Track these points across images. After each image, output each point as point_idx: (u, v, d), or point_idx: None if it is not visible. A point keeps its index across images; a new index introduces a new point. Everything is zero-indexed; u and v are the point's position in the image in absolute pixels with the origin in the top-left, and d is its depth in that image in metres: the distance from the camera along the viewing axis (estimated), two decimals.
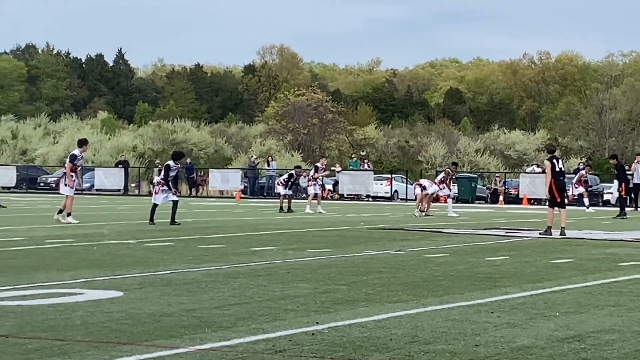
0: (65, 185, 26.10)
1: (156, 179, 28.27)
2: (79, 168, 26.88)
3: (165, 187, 25.49)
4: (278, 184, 38.08)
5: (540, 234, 23.27)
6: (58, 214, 25.92)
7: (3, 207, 34.83)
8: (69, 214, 25.64)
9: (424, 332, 9.01)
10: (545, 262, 16.62)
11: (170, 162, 25.89)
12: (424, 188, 34.41)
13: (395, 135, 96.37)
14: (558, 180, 23.46)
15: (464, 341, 8.62)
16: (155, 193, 25.88)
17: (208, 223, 27.53)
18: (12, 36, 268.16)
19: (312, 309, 10.43)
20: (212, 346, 8.21)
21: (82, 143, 27.04)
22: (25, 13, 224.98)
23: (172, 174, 25.69)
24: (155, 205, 25.66)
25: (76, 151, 26.60)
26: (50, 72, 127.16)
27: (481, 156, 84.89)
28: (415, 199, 35.82)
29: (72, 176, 26.13)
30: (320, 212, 35.18)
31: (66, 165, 26.75)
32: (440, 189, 35.63)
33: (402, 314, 10.14)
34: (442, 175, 36.74)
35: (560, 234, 22.96)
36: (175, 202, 25.61)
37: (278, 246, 18.95)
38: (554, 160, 23.61)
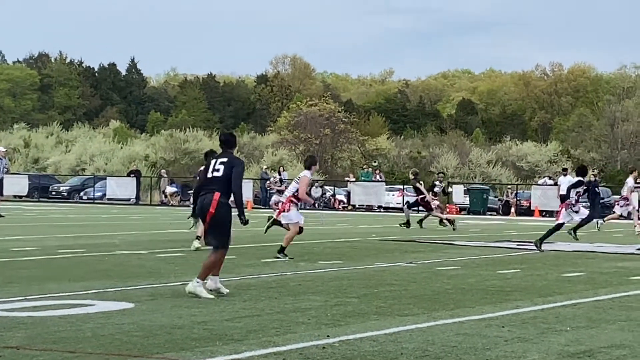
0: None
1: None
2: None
3: None
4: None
5: (637, 249, 23.01)
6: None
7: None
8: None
9: (435, 347, 9.00)
10: (556, 275, 16.59)
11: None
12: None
13: (407, 146, 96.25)
14: None
15: (475, 356, 8.60)
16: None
17: None
18: (25, 45, 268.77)
19: (323, 322, 10.43)
20: (223, 359, 8.22)
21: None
22: (38, 22, 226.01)
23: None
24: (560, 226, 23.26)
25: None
26: (63, 81, 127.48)
27: (493, 167, 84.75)
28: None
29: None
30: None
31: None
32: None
33: (413, 328, 10.14)
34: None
35: None
36: None
37: (289, 258, 18.94)
38: None
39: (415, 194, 34.04)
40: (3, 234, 24.75)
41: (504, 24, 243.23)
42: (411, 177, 34.36)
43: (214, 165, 12.68)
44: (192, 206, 13.38)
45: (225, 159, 12.73)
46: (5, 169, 36.14)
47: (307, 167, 19.00)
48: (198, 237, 19.16)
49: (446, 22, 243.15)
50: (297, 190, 18.67)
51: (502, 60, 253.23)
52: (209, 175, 12.68)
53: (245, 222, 12.78)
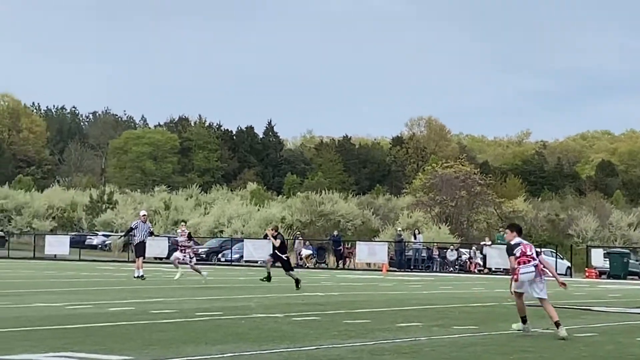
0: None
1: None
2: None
3: None
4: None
5: None
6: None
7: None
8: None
9: None
10: None
11: None
12: None
13: (544, 208, 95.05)
14: None
15: None
16: None
17: (354, 297, 27.56)
18: (166, 109, 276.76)
19: None
20: None
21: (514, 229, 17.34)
22: (179, 87, 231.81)
23: None
24: None
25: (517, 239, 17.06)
26: (202, 144, 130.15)
27: (634, 230, 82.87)
28: None
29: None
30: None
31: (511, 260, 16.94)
32: None
33: None
34: None
35: None
36: None
37: (423, 322, 18.82)
38: None
39: (278, 250, 32.43)
40: (143, 296, 25.27)
41: None
42: (272, 232, 32.96)
43: None
44: None
45: None
46: (148, 232, 36.65)
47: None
48: None
49: (584, 82, 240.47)
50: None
51: None
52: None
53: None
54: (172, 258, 35.63)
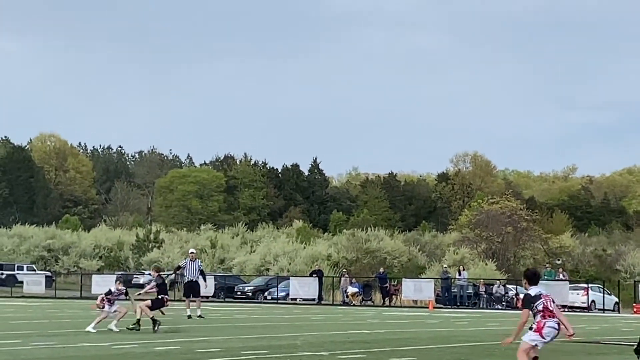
0: None
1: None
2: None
3: None
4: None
5: None
6: None
7: (201, 317, 34.81)
8: None
9: None
10: None
11: None
12: None
13: (592, 243, 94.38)
14: None
15: None
16: None
17: (400, 334, 27.46)
18: (211, 148, 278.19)
19: None
20: None
21: None
22: (224, 125, 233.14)
23: None
24: None
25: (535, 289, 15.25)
26: (248, 182, 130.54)
27: None
28: None
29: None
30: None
31: None
32: None
33: None
34: None
35: None
36: None
37: None
38: None
39: (159, 291, 29.81)
40: (189, 335, 25.36)
41: None
42: (154, 273, 29.65)
43: None
44: None
45: None
46: (199, 271, 36.27)
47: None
48: None
49: (630, 116, 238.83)
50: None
51: None
52: None
53: None
54: (112, 309, 31.44)
